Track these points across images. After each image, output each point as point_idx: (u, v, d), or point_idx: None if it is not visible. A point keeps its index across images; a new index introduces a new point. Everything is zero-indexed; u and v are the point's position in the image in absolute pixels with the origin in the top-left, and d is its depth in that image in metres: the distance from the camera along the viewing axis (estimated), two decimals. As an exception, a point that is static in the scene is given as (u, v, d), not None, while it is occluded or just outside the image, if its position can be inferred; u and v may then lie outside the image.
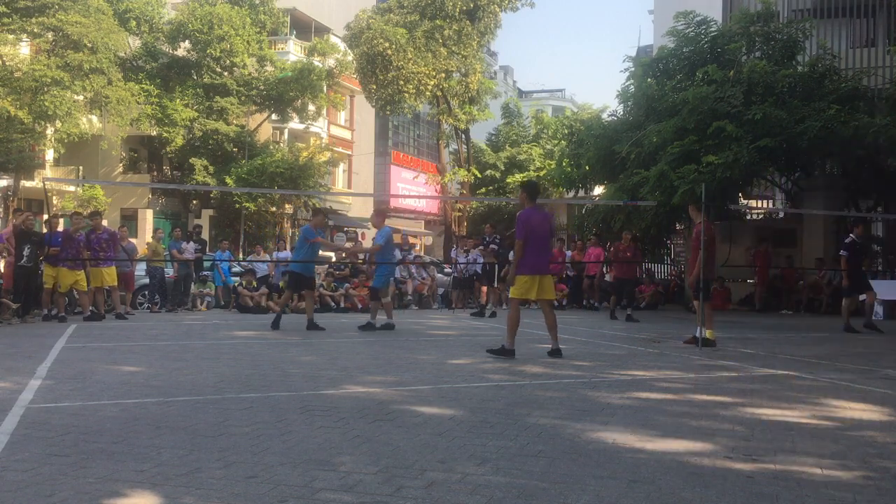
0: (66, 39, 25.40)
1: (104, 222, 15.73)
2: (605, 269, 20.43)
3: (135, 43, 31.66)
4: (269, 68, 33.63)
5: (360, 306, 16.02)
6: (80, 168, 31.66)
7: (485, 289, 15.90)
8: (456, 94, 31.68)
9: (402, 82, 28.91)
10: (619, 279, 15.31)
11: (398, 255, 17.61)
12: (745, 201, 20.23)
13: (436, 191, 36.08)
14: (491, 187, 37.09)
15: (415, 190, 42.11)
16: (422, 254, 32.65)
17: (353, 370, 7.09)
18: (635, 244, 15.45)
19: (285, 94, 32.33)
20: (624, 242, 15.21)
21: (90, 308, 12.76)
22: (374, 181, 44.72)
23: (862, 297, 12.53)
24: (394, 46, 28.40)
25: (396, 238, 16.96)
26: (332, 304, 16.01)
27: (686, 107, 16.04)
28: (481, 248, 15.66)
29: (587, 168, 19.74)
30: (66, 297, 12.98)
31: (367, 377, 6.63)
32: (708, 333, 9.37)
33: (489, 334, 11.17)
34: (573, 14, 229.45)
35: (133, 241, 18.20)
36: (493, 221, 19.23)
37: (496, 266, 14.71)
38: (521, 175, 34.13)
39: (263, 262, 17.81)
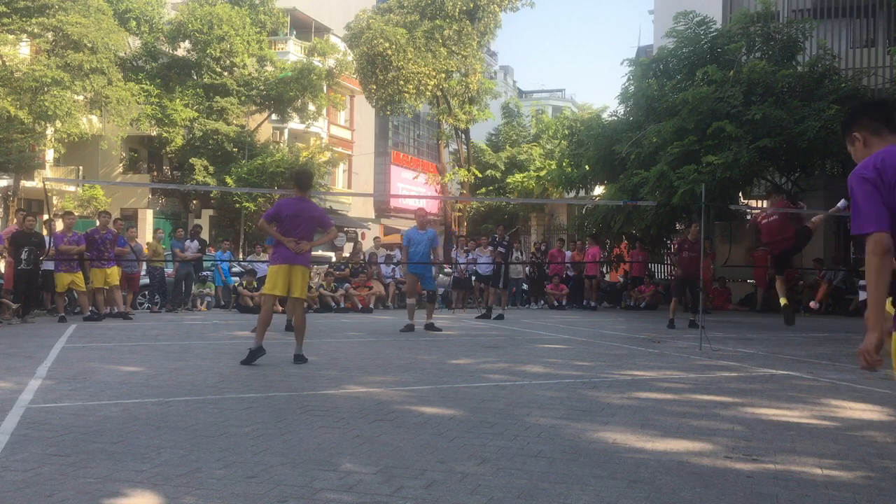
0: (66, 39, 25.36)
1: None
2: (604, 270, 20.37)
3: (135, 43, 31.62)
4: (269, 68, 33.61)
5: (360, 306, 16.02)
6: (80, 168, 31.62)
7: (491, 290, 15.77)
8: (456, 94, 31.66)
9: (402, 82, 28.89)
10: (683, 279, 12.83)
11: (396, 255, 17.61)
12: (745, 201, 20.22)
13: (436, 191, 36.06)
14: (491, 187, 37.09)
15: (415, 190, 42.09)
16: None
17: (353, 370, 7.09)
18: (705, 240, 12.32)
19: (285, 94, 32.29)
20: (692, 236, 12.88)
21: (90, 308, 12.78)
22: (374, 181, 44.68)
23: (863, 296, 12.44)
24: (394, 46, 28.38)
25: (395, 238, 16.94)
26: (333, 304, 16.01)
27: (686, 107, 16.04)
28: (490, 249, 15.57)
29: (587, 168, 19.73)
30: (65, 297, 13.00)
31: (367, 377, 6.63)
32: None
33: (490, 335, 11.17)
34: (573, 14, 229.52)
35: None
36: (499, 224, 19.21)
37: (502, 267, 14.66)
38: (522, 175, 34.12)
39: (263, 262, 17.81)
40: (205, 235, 22.87)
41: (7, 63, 25.50)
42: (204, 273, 16.66)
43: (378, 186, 44.14)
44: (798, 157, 16.77)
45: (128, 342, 9.41)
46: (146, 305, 15.97)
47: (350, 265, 17.72)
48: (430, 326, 11.40)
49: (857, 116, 3.07)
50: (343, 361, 7.73)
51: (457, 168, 34.34)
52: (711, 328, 9.73)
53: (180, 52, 31.97)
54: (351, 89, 39.84)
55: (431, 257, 11.77)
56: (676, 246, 13.64)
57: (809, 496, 3.39)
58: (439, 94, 31.42)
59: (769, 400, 5.72)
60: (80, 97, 26.68)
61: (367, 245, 21.27)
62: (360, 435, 4.37)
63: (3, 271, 12.89)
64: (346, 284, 16.62)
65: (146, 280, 15.69)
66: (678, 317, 12.77)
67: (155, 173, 36.63)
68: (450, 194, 35.62)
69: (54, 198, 28.86)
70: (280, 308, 12.07)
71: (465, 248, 18.43)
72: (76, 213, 18.10)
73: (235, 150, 31.90)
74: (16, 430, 4.38)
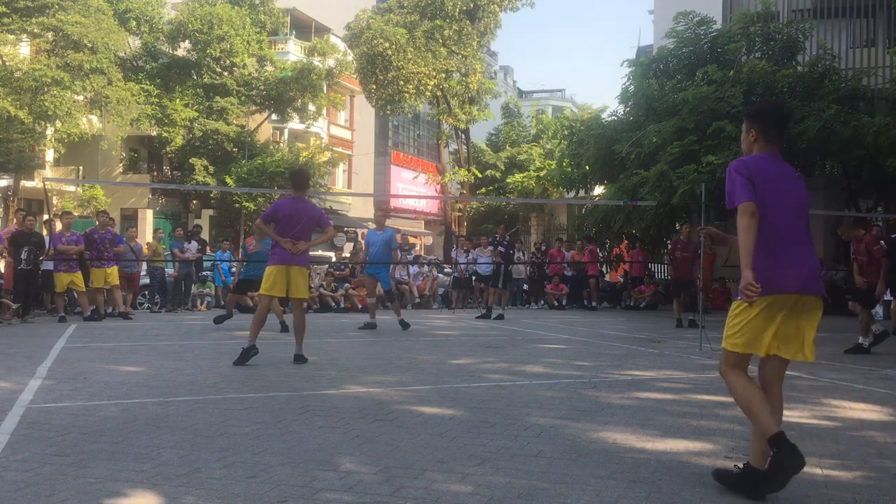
0: (66, 39, 25.35)
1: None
2: (604, 270, 20.35)
3: (135, 43, 31.62)
4: (269, 68, 33.60)
5: (360, 306, 16.02)
6: (80, 168, 31.62)
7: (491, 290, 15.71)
8: (456, 94, 31.65)
9: (402, 82, 28.88)
10: (679, 281, 12.90)
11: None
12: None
13: (436, 191, 36.05)
14: (491, 187, 37.09)
15: (415, 190, 42.09)
16: (422, 253, 32.64)
17: (353, 370, 7.09)
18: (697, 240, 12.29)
19: (285, 94, 32.29)
20: (683, 237, 13.06)
21: (90, 308, 12.77)
22: (374, 181, 44.68)
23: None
24: (394, 46, 28.38)
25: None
26: (333, 304, 16.01)
27: (686, 107, 16.04)
28: (490, 248, 15.55)
29: (587, 168, 19.73)
30: (65, 296, 12.99)
31: (367, 377, 6.63)
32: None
33: (490, 335, 11.17)
34: (573, 14, 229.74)
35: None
36: (499, 224, 19.26)
37: (502, 267, 14.66)
38: (522, 175, 34.15)
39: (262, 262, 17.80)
40: (205, 235, 22.88)
41: (7, 63, 25.50)
42: (204, 273, 16.66)
43: (378, 186, 44.13)
44: (798, 157, 16.77)
45: (128, 342, 9.41)
46: (146, 305, 15.97)
47: (350, 265, 17.72)
48: (402, 324, 11.44)
49: (760, 118, 3.58)
50: (343, 361, 7.73)
51: (457, 168, 34.33)
52: (711, 328, 9.72)
53: (180, 52, 31.96)
54: (351, 89, 39.84)
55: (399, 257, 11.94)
56: (670, 247, 13.66)
57: (809, 496, 3.40)
58: (439, 94, 31.41)
59: (769, 400, 5.71)
60: (80, 97, 26.66)
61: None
62: (360, 435, 4.37)
63: (3, 271, 12.90)
64: (346, 284, 16.62)
65: (146, 280, 15.69)
66: (682, 316, 12.78)
67: (155, 173, 36.62)
68: (450, 194, 35.62)
69: (54, 198, 28.86)
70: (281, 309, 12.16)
71: (465, 248, 18.42)
72: (76, 213, 18.09)
73: (235, 150, 31.90)
74: (16, 430, 4.38)
